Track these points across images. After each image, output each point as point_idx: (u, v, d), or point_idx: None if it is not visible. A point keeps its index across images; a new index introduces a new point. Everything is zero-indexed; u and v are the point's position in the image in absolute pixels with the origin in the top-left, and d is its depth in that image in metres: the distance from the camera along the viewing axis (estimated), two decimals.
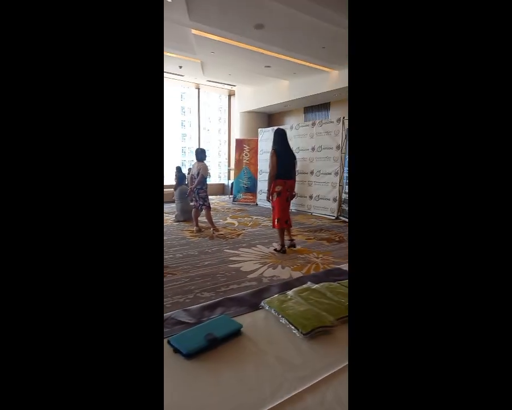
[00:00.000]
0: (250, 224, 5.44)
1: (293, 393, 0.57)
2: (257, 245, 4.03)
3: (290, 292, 0.90)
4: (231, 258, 3.46)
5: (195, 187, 4.66)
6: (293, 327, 0.73)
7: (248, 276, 2.95)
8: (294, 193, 3.66)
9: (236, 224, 5.48)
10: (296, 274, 2.98)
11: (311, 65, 6.51)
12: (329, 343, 0.71)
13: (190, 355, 0.61)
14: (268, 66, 6.83)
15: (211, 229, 4.73)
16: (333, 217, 5.98)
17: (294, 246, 3.70)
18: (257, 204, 7.81)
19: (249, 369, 0.60)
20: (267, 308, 0.83)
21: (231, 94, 10.39)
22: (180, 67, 7.16)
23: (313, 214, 6.43)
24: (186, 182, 5.97)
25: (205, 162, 4.79)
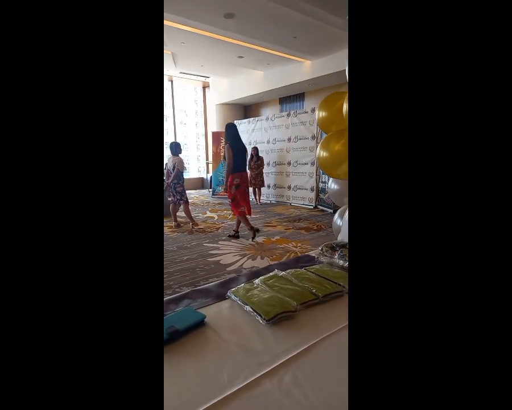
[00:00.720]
0: (229, 217, 5.43)
1: (252, 379, 0.58)
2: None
3: (256, 281, 0.91)
4: (210, 252, 3.45)
5: (172, 182, 4.58)
6: (257, 314, 0.74)
7: (227, 268, 2.95)
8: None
9: (216, 217, 5.46)
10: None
11: (284, 55, 6.49)
12: (291, 328, 0.72)
13: None
14: (241, 57, 6.75)
15: (190, 223, 4.68)
16: (311, 207, 6.07)
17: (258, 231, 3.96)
18: None
19: (210, 359, 0.60)
20: (232, 297, 0.84)
21: (205, 86, 10.22)
22: None
23: (292, 204, 6.50)
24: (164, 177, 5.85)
25: (181, 155, 4.71)
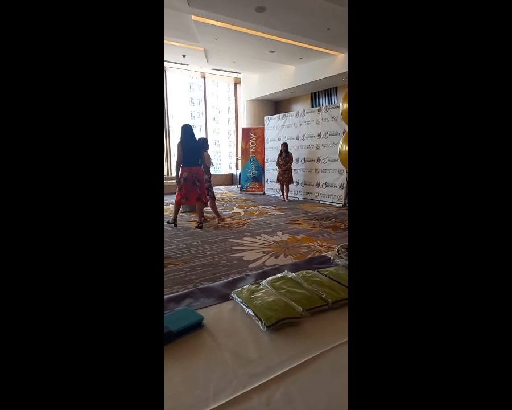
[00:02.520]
0: (255, 213, 5.41)
1: (239, 393, 0.52)
2: (262, 234, 4.00)
3: (263, 282, 0.86)
4: (234, 248, 3.44)
5: None
6: (257, 319, 0.69)
7: (249, 265, 2.92)
8: (207, 177, 4.53)
9: (242, 213, 5.45)
10: None
11: (316, 48, 6.30)
12: (293, 336, 0.66)
13: None
14: (273, 51, 6.66)
15: (216, 219, 4.72)
16: (340, 205, 5.87)
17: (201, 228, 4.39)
18: (264, 193, 7.75)
19: (200, 366, 0.56)
20: (236, 299, 0.79)
21: (237, 83, 10.24)
22: (184, 56, 7.08)
23: (320, 202, 6.33)
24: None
25: (208, 151, 4.74)
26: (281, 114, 7.40)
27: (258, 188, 7.94)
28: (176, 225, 4.41)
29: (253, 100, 9.40)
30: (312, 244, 3.56)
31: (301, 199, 6.80)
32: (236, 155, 10.26)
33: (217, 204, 4.91)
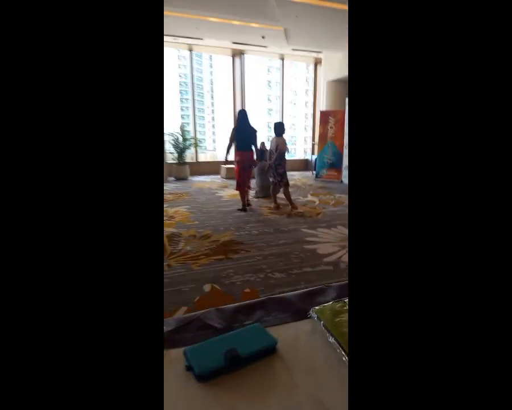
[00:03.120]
0: (331, 203, 5.12)
1: None
2: (338, 226, 3.75)
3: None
4: (307, 239, 3.29)
5: (274, 163, 4.55)
6: (343, 354, 0.54)
7: (324, 259, 2.75)
8: (255, 162, 4.51)
9: (317, 202, 5.22)
10: None
11: None
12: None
13: (203, 377, 0.49)
14: None
15: (290, 206, 4.60)
16: None
17: (249, 205, 4.65)
18: (342, 181, 7.29)
19: (269, 408, 0.44)
20: (315, 318, 0.65)
21: (317, 63, 9.73)
22: (263, 37, 6.96)
23: None
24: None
25: (284, 136, 4.60)
26: None
27: (335, 175, 7.51)
28: (245, 210, 4.50)
29: (334, 81, 8.80)
30: None
31: None
32: (313, 139, 9.87)
33: (290, 190, 4.77)
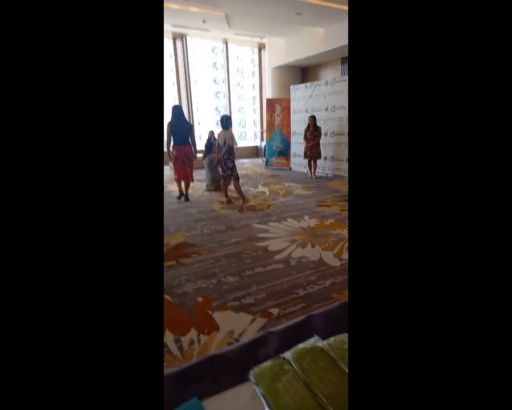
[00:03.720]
0: (281, 193, 5.23)
1: None
2: (288, 219, 3.85)
3: (289, 356, 0.71)
4: (259, 235, 3.33)
5: (222, 157, 4.48)
6: None
7: (275, 257, 2.81)
8: (194, 155, 4.64)
9: (267, 192, 5.29)
10: (327, 255, 2.78)
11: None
12: None
13: None
14: (299, 14, 6.06)
15: (241, 200, 4.60)
16: None
17: (187, 197, 4.88)
18: (290, 168, 7.47)
19: None
20: (254, 385, 0.66)
21: (261, 48, 9.63)
22: (204, 21, 6.65)
23: None
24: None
25: (231, 129, 4.53)
26: (308, 83, 6.89)
27: (284, 162, 7.66)
28: (186, 199, 4.81)
29: (278, 67, 8.82)
30: (341, 232, 3.36)
31: (329, 176, 6.49)
32: (261, 127, 9.89)
33: (241, 181, 4.76)
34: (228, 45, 9.33)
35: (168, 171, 7.48)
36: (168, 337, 1.77)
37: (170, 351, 1.66)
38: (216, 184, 5.41)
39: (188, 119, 4.58)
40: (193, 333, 1.81)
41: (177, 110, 4.42)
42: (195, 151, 4.65)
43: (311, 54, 7.64)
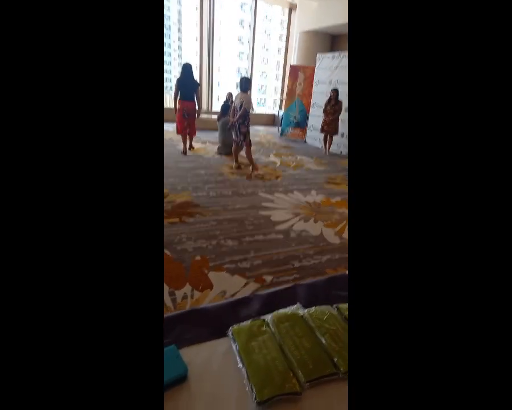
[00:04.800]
0: (292, 165, 5.15)
1: None
2: (295, 192, 3.82)
3: (269, 319, 0.73)
4: (263, 204, 3.34)
5: (237, 121, 4.39)
6: (249, 385, 0.58)
7: (276, 227, 2.83)
8: (198, 112, 5.00)
9: (278, 163, 5.22)
10: (328, 232, 2.78)
11: None
12: None
13: None
14: None
15: (250, 167, 4.56)
16: None
17: (190, 148, 5.46)
18: (305, 141, 7.30)
19: None
20: (232, 339, 0.68)
21: (292, 9, 9.08)
22: None
23: None
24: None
25: (249, 92, 4.40)
26: (336, 53, 6.54)
27: (299, 134, 7.47)
28: (185, 153, 5.21)
29: (307, 32, 8.35)
30: (346, 211, 3.33)
31: (343, 154, 6.33)
32: (282, 94, 9.57)
33: (252, 149, 4.70)
34: (258, 2, 8.82)
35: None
36: (164, 290, 1.83)
37: (164, 302, 1.73)
38: (227, 148, 5.35)
39: (200, 77, 5.08)
40: (187, 288, 1.87)
41: (185, 68, 4.78)
42: (199, 108, 4.99)
43: (343, 22, 7.17)
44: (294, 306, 0.77)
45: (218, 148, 5.60)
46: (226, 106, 5.61)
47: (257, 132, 8.21)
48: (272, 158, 5.54)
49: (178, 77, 4.79)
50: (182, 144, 5.18)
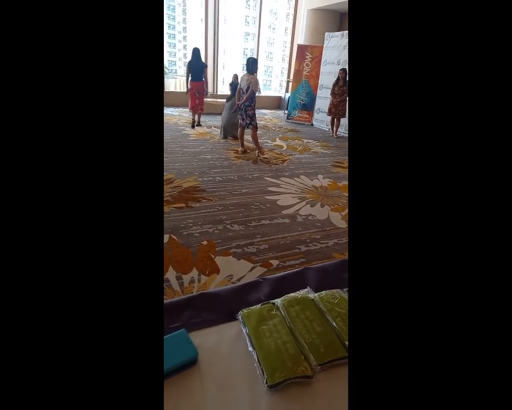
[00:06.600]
0: (298, 149, 5.08)
1: None
2: (301, 176, 3.78)
3: (278, 302, 0.72)
4: (269, 189, 3.31)
5: (243, 103, 4.32)
6: (260, 368, 0.58)
7: (282, 212, 2.81)
8: (206, 90, 5.80)
9: (285, 147, 5.15)
10: (334, 216, 2.75)
11: None
12: (301, 402, 0.54)
13: None
14: None
15: (256, 151, 4.51)
16: None
17: (199, 124, 6.23)
18: (312, 124, 7.18)
19: None
20: (242, 322, 0.68)
21: None
22: None
23: None
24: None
25: (256, 74, 4.30)
26: (345, 31, 6.33)
27: (306, 118, 7.34)
28: (197, 125, 6.11)
29: (316, 10, 8.07)
30: None
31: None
32: (288, 76, 9.35)
33: (258, 132, 4.63)
34: None
35: (187, 114, 7.35)
36: (171, 274, 1.85)
37: (171, 286, 1.75)
38: (229, 131, 5.27)
39: (205, 60, 5.97)
40: (194, 272, 1.88)
41: (195, 52, 5.52)
42: (207, 87, 5.80)
43: None
44: (304, 290, 0.76)
45: (221, 131, 5.50)
46: (234, 86, 5.49)
47: (264, 115, 8.09)
48: (279, 142, 5.47)
49: (188, 60, 5.51)
50: (192, 117, 6.05)
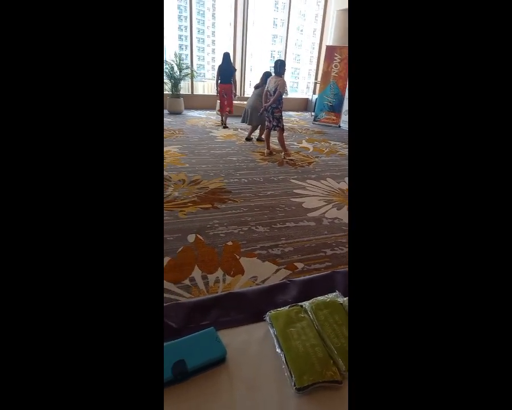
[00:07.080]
0: (325, 151, 5.01)
1: None
2: (327, 179, 3.72)
3: (307, 305, 0.71)
4: (295, 191, 3.29)
5: (270, 106, 4.33)
6: (288, 371, 0.57)
7: (308, 214, 2.78)
8: (234, 93, 6.08)
9: (311, 149, 5.10)
10: None
11: None
12: (329, 407, 0.53)
13: None
14: None
15: (282, 153, 4.50)
16: None
17: (225, 126, 6.39)
18: (340, 126, 7.06)
19: None
20: (269, 324, 0.68)
21: None
22: None
23: None
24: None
25: (284, 76, 4.29)
26: None
27: (334, 120, 7.23)
28: (224, 126, 6.32)
29: (345, 10, 7.93)
30: None
31: None
32: (316, 78, 9.26)
33: (285, 134, 4.61)
34: None
35: (215, 116, 7.46)
36: (197, 273, 1.88)
37: (197, 285, 1.78)
38: (252, 119, 5.12)
39: (233, 63, 6.23)
40: (219, 272, 1.91)
41: (225, 56, 5.85)
42: (235, 89, 6.08)
43: None
44: (333, 294, 0.75)
45: (244, 115, 5.35)
46: (269, 74, 5.27)
47: (290, 117, 8.05)
48: (305, 144, 5.42)
49: (219, 64, 5.86)
50: (221, 118, 6.45)
